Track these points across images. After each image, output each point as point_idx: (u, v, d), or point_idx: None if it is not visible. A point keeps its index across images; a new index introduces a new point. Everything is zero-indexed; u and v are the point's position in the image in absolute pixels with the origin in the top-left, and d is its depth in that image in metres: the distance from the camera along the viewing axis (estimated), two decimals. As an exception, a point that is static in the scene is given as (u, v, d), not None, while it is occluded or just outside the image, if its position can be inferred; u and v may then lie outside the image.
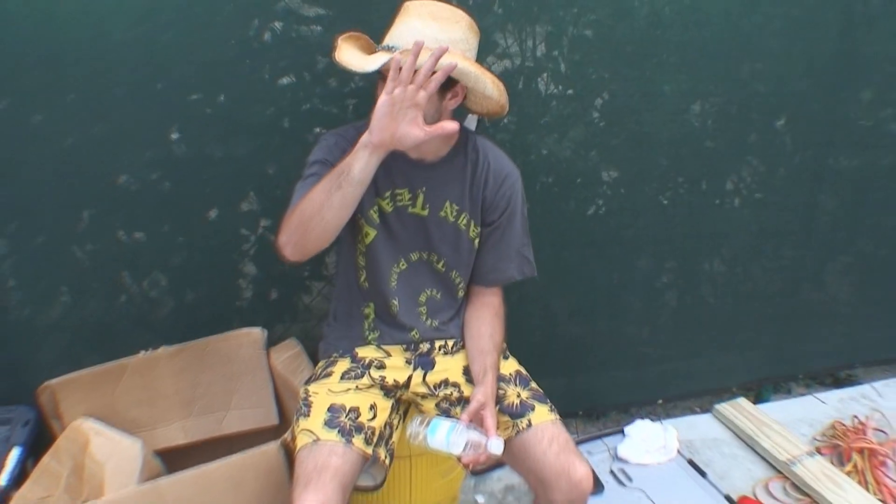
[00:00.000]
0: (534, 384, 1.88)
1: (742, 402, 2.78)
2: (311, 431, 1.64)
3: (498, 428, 1.66)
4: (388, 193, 1.77)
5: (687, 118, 2.59)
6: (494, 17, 2.24)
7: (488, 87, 1.66)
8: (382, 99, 1.45)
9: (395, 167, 1.73)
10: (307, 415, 1.70)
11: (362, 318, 1.89)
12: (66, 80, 1.93)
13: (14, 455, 1.93)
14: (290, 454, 1.75)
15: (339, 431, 1.64)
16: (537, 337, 2.68)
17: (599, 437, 2.33)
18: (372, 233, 1.79)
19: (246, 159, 2.18)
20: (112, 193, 2.10)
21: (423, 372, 1.87)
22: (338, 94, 2.19)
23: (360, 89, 2.18)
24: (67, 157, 2.02)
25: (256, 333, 2.14)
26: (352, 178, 1.51)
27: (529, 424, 1.71)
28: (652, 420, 2.43)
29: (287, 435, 1.77)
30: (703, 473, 2.22)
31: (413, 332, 1.88)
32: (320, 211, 1.54)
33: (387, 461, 1.73)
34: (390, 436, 1.78)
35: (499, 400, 1.76)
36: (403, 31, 1.64)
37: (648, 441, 2.30)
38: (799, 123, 2.73)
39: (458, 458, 1.57)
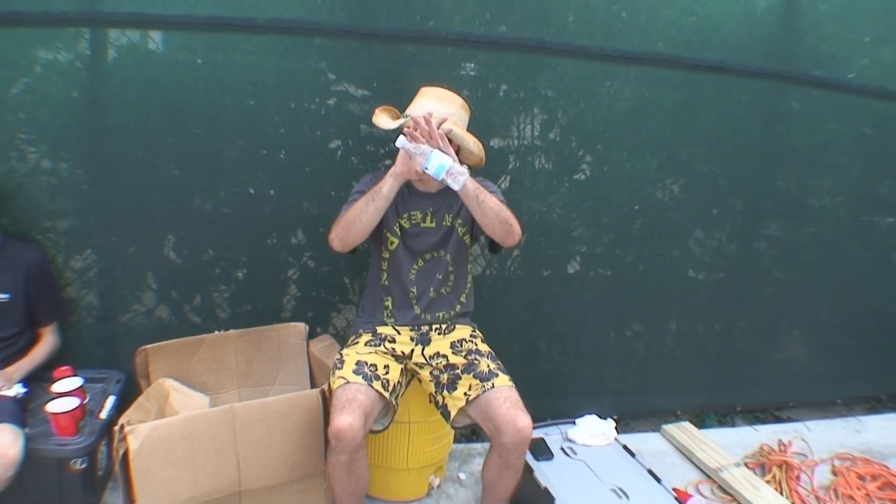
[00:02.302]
0: (500, 361, 2.64)
1: (686, 425, 3.51)
2: (344, 377, 2.43)
3: (470, 388, 2.47)
4: (405, 215, 2.67)
5: (646, 190, 3.47)
6: (500, 106, 3.18)
7: (471, 146, 2.60)
8: (398, 143, 2.43)
9: (410, 198, 2.68)
10: (340, 367, 2.49)
11: (383, 309, 2.74)
12: (184, 129, 2.86)
13: (110, 401, 2.73)
14: (325, 400, 2.54)
15: (363, 377, 2.43)
16: (520, 365, 3.44)
17: (555, 423, 3.03)
18: (395, 241, 2.67)
19: (297, 202, 3.09)
20: (195, 218, 3.01)
21: (421, 347, 2.69)
22: (374, 156, 3.10)
23: (390, 152, 3.06)
24: (165, 188, 2.93)
25: (301, 327, 3.00)
26: (381, 195, 2.46)
27: (493, 386, 2.46)
28: (597, 415, 3.15)
29: (324, 385, 2.56)
30: (632, 454, 2.89)
31: (421, 314, 2.71)
32: (360, 215, 2.47)
33: (395, 406, 2.52)
34: (395, 391, 2.54)
35: (473, 368, 2.54)
36: (417, 107, 2.59)
37: (593, 429, 2.98)
38: (734, 198, 3.61)
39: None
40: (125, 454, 2.31)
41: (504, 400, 2.42)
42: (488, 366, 2.56)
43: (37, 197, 2.82)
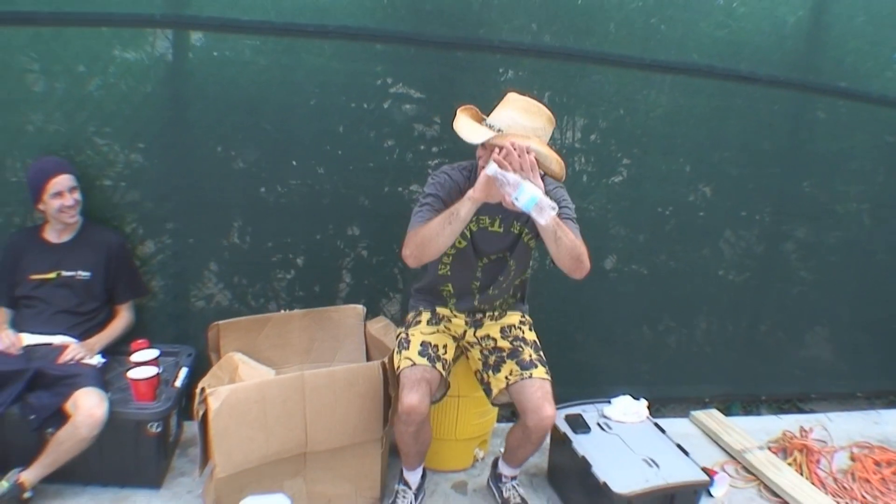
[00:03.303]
0: (541, 352, 2.87)
1: (713, 411, 3.78)
2: (410, 358, 2.70)
3: (511, 373, 2.74)
4: (474, 219, 2.73)
5: (680, 191, 3.77)
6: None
7: (553, 164, 2.57)
8: (488, 171, 2.40)
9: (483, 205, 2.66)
10: (407, 348, 2.76)
11: (442, 294, 2.96)
12: (256, 125, 3.20)
13: (183, 372, 3.05)
14: (384, 372, 2.84)
15: (427, 359, 2.71)
16: (558, 354, 3.71)
17: (592, 402, 3.29)
18: (464, 242, 2.81)
19: (354, 196, 3.41)
20: (260, 208, 3.34)
21: (474, 329, 2.96)
22: (426, 154, 3.42)
23: (443, 152, 3.38)
24: (236, 179, 3.28)
25: (360, 309, 3.30)
26: (459, 218, 2.50)
27: (531, 376, 2.71)
28: (631, 396, 3.41)
29: (385, 359, 2.85)
30: (663, 430, 3.16)
31: (479, 304, 2.92)
32: (436, 237, 2.53)
33: (449, 382, 2.82)
34: (451, 368, 2.84)
35: (517, 354, 2.80)
36: (503, 117, 2.56)
37: (626, 407, 3.24)
38: (762, 201, 3.90)
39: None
40: (204, 415, 2.60)
41: (537, 389, 2.69)
42: (530, 356, 2.82)
43: (118, 184, 3.16)
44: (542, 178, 2.58)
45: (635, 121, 3.60)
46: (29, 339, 2.89)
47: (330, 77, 3.22)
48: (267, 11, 3.06)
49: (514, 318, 3.03)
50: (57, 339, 2.91)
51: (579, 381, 3.78)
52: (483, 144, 2.57)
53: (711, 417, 3.72)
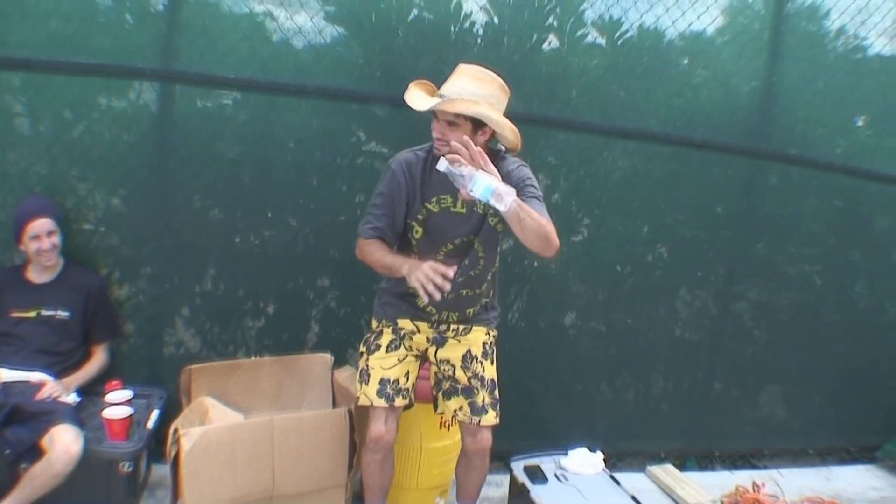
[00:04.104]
0: (496, 391, 2.90)
1: (669, 467, 3.93)
2: (369, 397, 2.81)
3: (461, 409, 2.84)
4: (434, 199, 2.74)
5: (638, 251, 4.00)
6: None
7: (506, 130, 2.62)
8: (439, 167, 2.40)
9: (439, 181, 2.60)
10: (367, 382, 2.84)
11: (408, 293, 2.82)
12: (236, 176, 3.41)
13: (155, 414, 3.15)
14: (351, 419, 2.99)
15: (385, 398, 2.81)
16: (517, 407, 3.85)
17: (550, 454, 3.44)
18: (420, 230, 2.80)
19: (325, 248, 3.60)
20: (235, 256, 3.52)
21: (436, 348, 2.91)
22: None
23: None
24: (213, 227, 3.46)
25: (327, 357, 3.45)
26: (397, 273, 2.64)
27: (479, 423, 2.82)
28: (588, 447, 3.54)
29: (352, 406, 2.99)
30: (618, 482, 3.30)
31: (446, 295, 2.58)
32: (377, 265, 2.73)
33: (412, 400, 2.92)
34: (413, 387, 2.92)
35: (471, 394, 2.83)
36: (453, 86, 2.59)
37: (583, 459, 3.38)
38: (717, 262, 4.15)
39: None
40: (176, 455, 2.73)
41: (483, 424, 2.85)
42: (484, 399, 2.86)
43: (98, 228, 3.33)
44: (503, 154, 2.74)
45: (595, 182, 3.84)
46: (7, 374, 2.98)
47: (307, 133, 3.44)
48: (251, 69, 3.26)
49: (479, 335, 2.95)
50: (35, 377, 3.01)
51: (538, 435, 3.94)
52: (435, 116, 2.61)
53: (667, 472, 3.88)
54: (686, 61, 3.86)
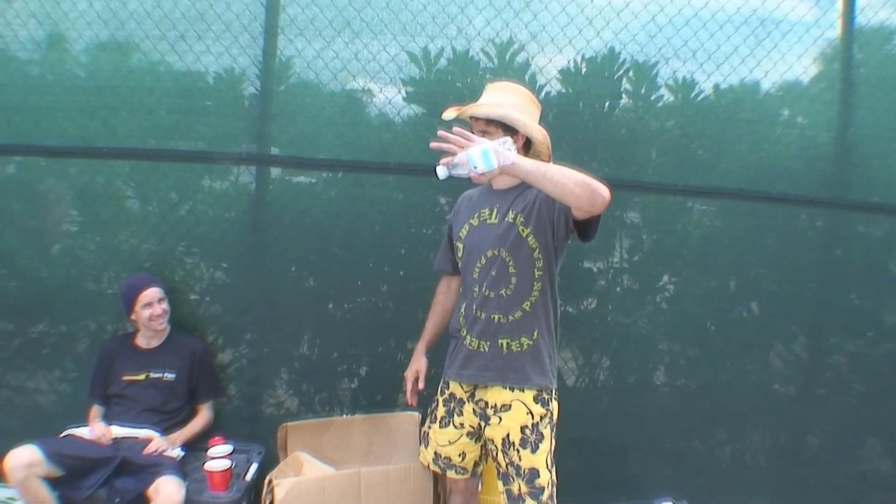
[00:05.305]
0: (538, 479, 2.72)
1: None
2: (426, 459, 3.05)
3: (502, 492, 2.81)
4: (476, 214, 2.87)
5: (724, 307, 4.05)
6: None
7: (534, 133, 2.67)
8: (440, 176, 2.43)
9: (484, 196, 2.89)
10: (426, 447, 3.06)
11: (458, 318, 2.95)
12: (326, 248, 3.75)
13: (253, 467, 3.45)
14: (434, 472, 3.18)
15: (440, 468, 3.01)
16: (607, 465, 4.02)
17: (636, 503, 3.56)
18: (461, 247, 2.92)
19: (413, 312, 3.76)
20: (328, 322, 3.83)
21: (483, 423, 2.84)
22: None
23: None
24: (307, 296, 3.80)
25: (415, 415, 3.65)
26: None
27: None
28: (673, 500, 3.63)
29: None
30: None
31: (477, 312, 2.79)
32: None
33: (479, 469, 3.04)
34: (478, 464, 3.03)
35: (507, 483, 2.77)
36: (482, 99, 2.74)
37: None
38: (805, 313, 4.11)
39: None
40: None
41: None
42: (520, 488, 2.75)
43: (203, 298, 3.73)
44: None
45: (677, 240, 3.95)
46: (118, 431, 3.37)
47: (392, 206, 3.74)
48: (337, 150, 3.63)
49: (519, 414, 2.76)
50: (143, 433, 3.37)
51: (627, 492, 4.00)
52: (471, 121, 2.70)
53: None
54: (760, 117, 3.93)
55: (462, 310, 2.92)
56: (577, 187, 2.33)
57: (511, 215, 2.73)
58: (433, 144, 2.41)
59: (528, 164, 2.37)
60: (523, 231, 2.72)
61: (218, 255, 3.71)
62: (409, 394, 3.14)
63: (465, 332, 2.86)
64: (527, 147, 2.76)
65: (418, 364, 3.18)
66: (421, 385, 3.13)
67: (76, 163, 3.68)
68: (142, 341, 3.55)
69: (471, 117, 2.70)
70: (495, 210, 2.80)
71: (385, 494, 3.13)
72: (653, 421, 4.08)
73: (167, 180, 3.64)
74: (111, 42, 3.60)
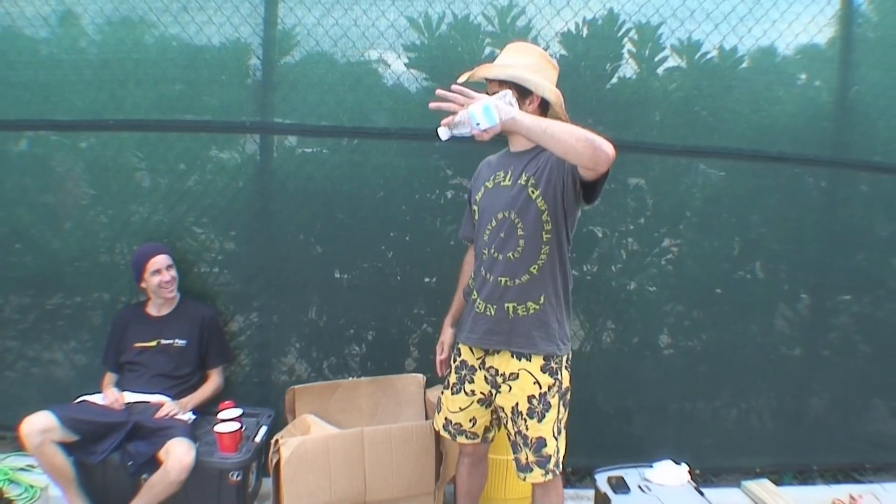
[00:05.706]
0: (545, 448, 2.75)
1: (765, 482, 3.96)
2: (438, 425, 3.09)
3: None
4: (492, 177, 2.87)
5: (728, 267, 4.10)
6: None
7: (546, 92, 2.68)
8: (442, 138, 2.46)
9: (501, 159, 2.91)
10: (439, 412, 3.08)
11: (470, 283, 3.04)
12: (331, 215, 3.82)
13: (263, 430, 3.54)
14: (437, 432, 3.25)
15: (450, 434, 3.05)
16: (611, 426, 4.10)
17: (634, 466, 3.57)
18: (476, 209, 2.94)
19: (419, 277, 3.93)
20: (335, 288, 3.91)
21: (494, 391, 2.87)
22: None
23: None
24: (313, 262, 3.88)
25: (420, 378, 3.76)
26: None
27: (524, 479, 2.81)
28: (673, 461, 3.63)
29: (435, 418, 3.30)
30: (701, 493, 3.38)
31: (486, 275, 2.80)
32: None
33: (490, 434, 3.09)
34: (489, 429, 3.07)
35: (516, 451, 2.81)
36: (496, 61, 2.79)
37: (667, 471, 3.50)
38: (809, 274, 4.18)
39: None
40: (277, 463, 3.10)
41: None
42: (527, 457, 2.80)
43: (212, 268, 3.83)
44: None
45: (681, 202, 3.99)
46: (130, 397, 3.48)
47: (394, 172, 3.81)
48: (340, 118, 3.69)
49: (527, 384, 2.77)
50: (154, 398, 3.48)
51: (631, 452, 4.06)
52: (487, 83, 2.73)
53: (762, 487, 3.92)
54: (762, 77, 3.95)
55: (474, 273, 2.98)
56: (580, 143, 2.32)
57: (524, 178, 2.73)
58: (433, 105, 2.42)
59: (529, 120, 2.38)
60: (532, 193, 2.71)
61: (226, 223, 3.80)
62: (438, 365, 3.21)
63: (475, 296, 2.88)
64: (545, 109, 2.77)
65: (445, 336, 3.23)
66: (445, 355, 3.17)
67: (86, 136, 3.78)
68: (152, 309, 3.65)
69: (486, 81, 2.73)
70: (510, 173, 2.80)
71: (388, 452, 3.23)
72: (657, 383, 4.16)
73: (174, 151, 3.72)
74: (115, 15, 3.67)
